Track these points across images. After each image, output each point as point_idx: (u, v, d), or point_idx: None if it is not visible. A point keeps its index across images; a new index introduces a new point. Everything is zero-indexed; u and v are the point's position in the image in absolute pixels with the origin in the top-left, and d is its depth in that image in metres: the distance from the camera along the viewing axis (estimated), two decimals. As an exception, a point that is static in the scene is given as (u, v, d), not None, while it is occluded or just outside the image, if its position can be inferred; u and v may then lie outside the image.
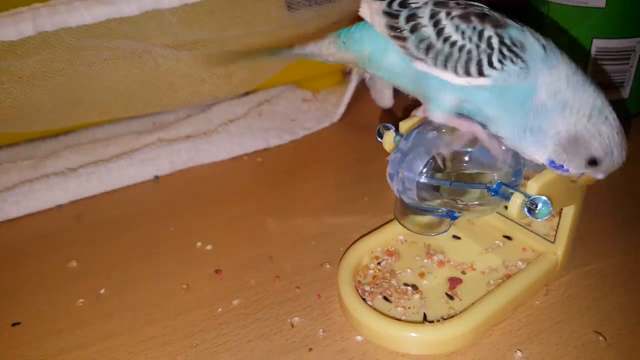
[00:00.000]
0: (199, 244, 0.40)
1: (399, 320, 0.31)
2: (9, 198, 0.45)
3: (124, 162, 0.47)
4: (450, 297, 0.33)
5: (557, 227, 0.34)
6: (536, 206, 0.28)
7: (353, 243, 0.37)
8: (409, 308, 0.33)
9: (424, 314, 0.32)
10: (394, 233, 0.38)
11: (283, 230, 0.41)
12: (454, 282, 0.34)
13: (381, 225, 0.38)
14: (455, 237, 0.38)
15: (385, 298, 0.33)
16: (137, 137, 0.52)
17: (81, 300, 0.36)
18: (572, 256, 0.36)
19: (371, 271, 0.36)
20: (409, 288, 0.34)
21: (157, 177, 0.48)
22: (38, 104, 0.46)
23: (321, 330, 0.32)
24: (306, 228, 0.41)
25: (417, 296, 0.33)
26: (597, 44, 0.46)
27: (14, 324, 0.35)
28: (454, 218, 0.32)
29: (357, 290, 0.33)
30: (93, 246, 0.41)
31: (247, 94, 0.56)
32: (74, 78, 0.46)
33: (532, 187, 0.29)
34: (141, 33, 0.45)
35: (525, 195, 0.29)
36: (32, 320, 0.35)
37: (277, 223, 0.42)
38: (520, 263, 0.35)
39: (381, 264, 0.36)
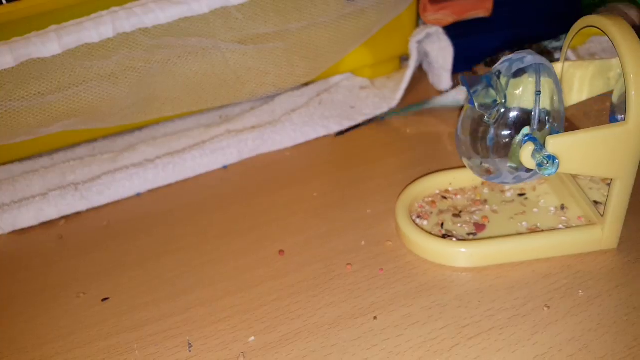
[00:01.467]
0: (266, 226, 0.42)
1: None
2: (94, 188, 0.49)
3: (196, 152, 0.50)
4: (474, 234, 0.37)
5: (606, 201, 0.34)
6: (545, 161, 0.30)
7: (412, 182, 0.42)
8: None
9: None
10: (446, 179, 0.42)
11: (344, 211, 0.42)
12: (480, 227, 0.38)
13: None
14: (521, 194, 0.40)
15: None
16: (206, 129, 0.55)
17: (163, 277, 0.39)
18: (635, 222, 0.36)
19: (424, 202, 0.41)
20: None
21: (225, 167, 0.51)
22: (118, 101, 0.50)
23: (386, 299, 0.34)
24: (364, 208, 0.42)
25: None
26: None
27: (104, 299, 0.38)
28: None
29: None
30: (172, 230, 0.44)
31: (307, 84, 0.59)
32: (150, 75, 0.50)
33: (549, 142, 0.31)
34: (210, 30, 0.48)
35: (538, 147, 0.31)
36: (121, 295, 0.38)
37: (339, 204, 0.43)
38: (561, 226, 0.36)
39: (432, 200, 0.41)
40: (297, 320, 0.33)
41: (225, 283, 0.37)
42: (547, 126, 0.33)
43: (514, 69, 0.33)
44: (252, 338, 0.33)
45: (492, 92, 0.32)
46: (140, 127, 0.59)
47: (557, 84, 0.33)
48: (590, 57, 0.51)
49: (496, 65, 0.34)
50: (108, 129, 0.56)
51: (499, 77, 0.33)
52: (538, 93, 0.32)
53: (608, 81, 0.36)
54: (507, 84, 0.33)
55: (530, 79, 0.32)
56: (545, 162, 0.30)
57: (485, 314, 0.32)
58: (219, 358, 0.32)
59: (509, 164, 0.34)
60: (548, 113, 0.32)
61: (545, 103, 0.33)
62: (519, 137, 0.33)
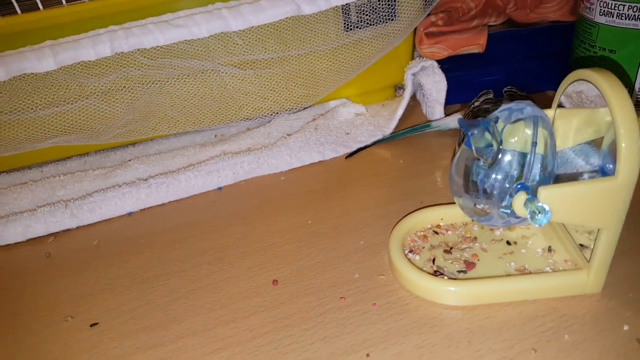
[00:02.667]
0: (260, 253, 0.42)
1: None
2: (84, 205, 0.49)
3: (191, 173, 0.50)
4: (464, 272, 0.38)
5: (593, 247, 0.35)
6: (537, 211, 0.31)
7: (405, 216, 0.43)
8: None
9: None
10: (438, 214, 0.43)
11: (338, 241, 0.43)
12: (470, 265, 0.38)
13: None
14: (508, 243, 0.40)
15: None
16: (201, 148, 0.55)
17: (154, 303, 0.39)
18: (618, 267, 0.37)
19: (416, 237, 0.41)
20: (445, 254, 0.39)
21: (220, 188, 0.51)
22: (112, 119, 0.50)
23: (378, 335, 0.34)
24: (358, 239, 0.43)
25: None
26: (646, 64, 0.47)
27: (92, 324, 0.38)
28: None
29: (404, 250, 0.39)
30: (164, 252, 0.44)
31: (304, 108, 0.59)
32: (147, 95, 0.49)
33: (541, 192, 0.31)
34: (209, 54, 0.48)
35: (531, 197, 0.31)
36: (110, 321, 0.38)
37: (332, 234, 0.44)
38: (548, 269, 0.37)
39: (424, 234, 0.41)
40: (290, 354, 0.33)
41: (218, 312, 0.37)
42: (539, 175, 0.33)
43: (513, 118, 0.34)
44: (245, 372, 0.33)
45: (489, 136, 0.33)
46: (133, 143, 0.58)
47: (552, 135, 0.34)
48: (577, 95, 0.52)
49: (495, 112, 0.35)
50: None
51: (496, 123, 0.34)
52: (534, 144, 0.33)
53: (598, 129, 0.37)
54: (502, 130, 0.34)
55: (527, 129, 0.33)
56: (537, 212, 0.31)
57: (474, 355, 0.32)
58: (210, 392, 0.32)
59: (501, 209, 0.34)
60: (541, 162, 0.33)
61: (539, 152, 0.33)
62: (511, 184, 0.33)
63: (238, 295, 0.39)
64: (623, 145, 0.30)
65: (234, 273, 0.41)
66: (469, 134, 0.33)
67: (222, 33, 0.47)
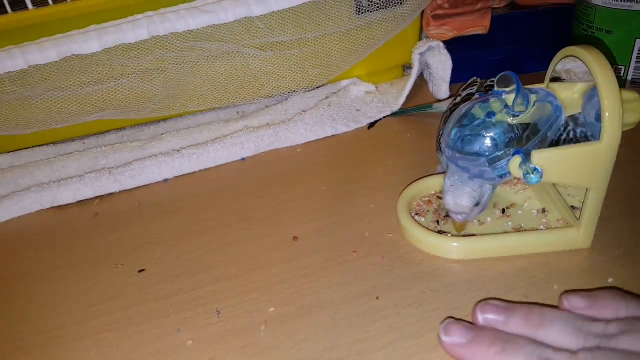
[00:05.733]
0: (281, 214, 0.48)
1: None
2: (126, 172, 0.55)
3: (218, 145, 0.56)
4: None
5: (582, 207, 0.39)
6: (530, 172, 0.36)
7: (411, 183, 0.48)
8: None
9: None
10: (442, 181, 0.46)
11: (350, 205, 0.48)
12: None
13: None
14: (508, 207, 0.45)
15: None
16: (225, 124, 0.61)
17: (192, 254, 0.45)
18: (608, 228, 0.41)
19: (421, 201, 0.46)
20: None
21: (243, 159, 0.57)
22: (150, 96, 0.56)
23: (386, 282, 0.40)
24: (369, 203, 0.48)
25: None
26: (640, 44, 0.51)
27: (140, 271, 0.44)
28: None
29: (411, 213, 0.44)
30: (196, 213, 0.50)
31: (318, 87, 0.64)
32: (179, 74, 0.55)
33: (534, 155, 0.36)
34: (234, 37, 0.54)
35: (525, 159, 0.36)
36: (155, 268, 0.44)
37: (345, 198, 0.49)
38: (542, 227, 0.42)
39: (429, 199, 0.46)
40: (310, 296, 0.39)
41: (247, 262, 0.43)
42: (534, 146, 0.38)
43: (547, 100, 0.39)
44: (272, 309, 0.39)
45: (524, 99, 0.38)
46: (164, 119, 0.64)
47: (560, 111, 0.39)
48: (566, 73, 0.56)
49: (532, 87, 0.40)
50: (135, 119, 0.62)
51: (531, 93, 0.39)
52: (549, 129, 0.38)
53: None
54: (533, 105, 0.39)
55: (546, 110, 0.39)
56: (531, 172, 0.36)
57: (472, 300, 0.37)
58: (243, 324, 0.38)
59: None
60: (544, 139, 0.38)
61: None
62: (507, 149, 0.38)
63: (263, 248, 0.44)
64: (607, 114, 0.34)
65: (259, 230, 0.47)
66: (520, 87, 0.38)
67: (246, 18, 0.52)
